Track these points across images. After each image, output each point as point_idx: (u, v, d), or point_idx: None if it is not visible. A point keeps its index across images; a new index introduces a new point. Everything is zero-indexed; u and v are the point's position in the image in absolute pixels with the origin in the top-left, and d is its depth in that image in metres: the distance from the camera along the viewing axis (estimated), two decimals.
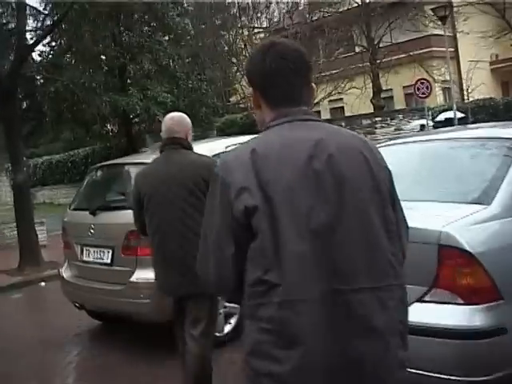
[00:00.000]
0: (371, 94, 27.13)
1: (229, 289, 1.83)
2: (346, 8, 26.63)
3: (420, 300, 3.24)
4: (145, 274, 5.32)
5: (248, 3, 25.88)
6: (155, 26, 21.23)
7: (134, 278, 5.38)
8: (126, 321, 5.90)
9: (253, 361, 1.71)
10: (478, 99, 24.93)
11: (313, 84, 1.98)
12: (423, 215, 3.50)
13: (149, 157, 6.24)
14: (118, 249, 5.53)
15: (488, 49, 28.59)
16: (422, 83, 18.66)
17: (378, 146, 4.98)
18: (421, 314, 3.17)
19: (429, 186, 3.99)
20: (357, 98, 25.51)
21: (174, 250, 3.80)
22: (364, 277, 1.71)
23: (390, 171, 1.92)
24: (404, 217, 1.95)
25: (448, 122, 17.09)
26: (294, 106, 1.89)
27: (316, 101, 24.88)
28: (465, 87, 28.28)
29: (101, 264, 5.77)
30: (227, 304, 5.39)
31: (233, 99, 27.96)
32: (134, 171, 6.16)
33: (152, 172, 4.00)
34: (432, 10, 19.62)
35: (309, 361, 1.64)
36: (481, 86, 26.97)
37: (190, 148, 3.99)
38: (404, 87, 30.04)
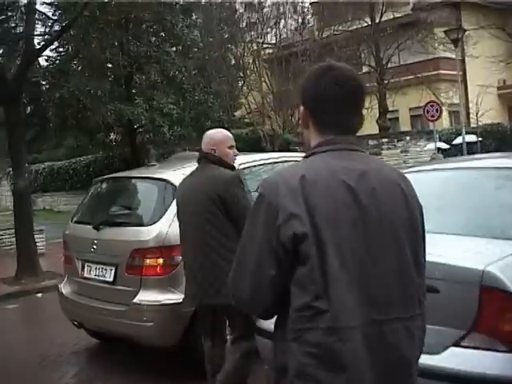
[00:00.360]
0: (377, 115, 26.90)
1: (261, 308, 1.88)
2: (355, 27, 26.46)
3: (456, 344, 2.96)
4: (149, 296, 5.03)
5: (258, 18, 25.81)
6: (164, 37, 21.09)
7: (137, 299, 5.06)
8: (126, 342, 5.59)
9: (297, 383, 1.74)
10: (485, 124, 24.76)
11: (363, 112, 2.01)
12: (460, 251, 3.23)
13: (155, 171, 6.01)
14: (122, 267, 5.22)
15: (499, 73, 28.50)
16: (432, 106, 18.50)
17: (405, 171, 4.71)
18: (457, 360, 2.91)
19: (461, 219, 3.72)
20: None
21: (193, 262, 4.02)
22: (396, 307, 1.78)
23: (421, 206, 1.95)
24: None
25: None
26: (342, 134, 1.91)
27: None
28: (473, 111, 28.03)
29: (103, 282, 5.45)
30: None
31: (238, 113, 27.75)
32: (140, 185, 5.93)
33: (184, 184, 4.22)
34: (445, 32, 19.46)
35: None
36: (489, 111, 26.77)
37: (219, 162, 4.06)
38: (410, 109, 29.92)
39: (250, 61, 25.35)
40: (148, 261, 5.02)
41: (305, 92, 1.96)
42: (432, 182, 4.15)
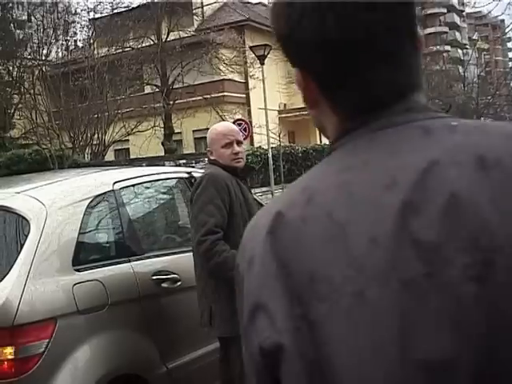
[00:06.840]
0: (162, 136, 25.70)
1: None
2: (142, 45, 25.13)
3: None
4: None
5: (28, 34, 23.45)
6: None
7: None
8: None
9: None
10: (278, 146, 24.69)
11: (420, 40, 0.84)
12: None
13: None
14: None
15: (282, 97, 28.76)
16: (240, 124, 17.51)
17: None
18: None
19: None
20: (146, 140, 23.85)
21: None
22: None
23: None
24: None
25: None
26: (389, 103, 0.81)
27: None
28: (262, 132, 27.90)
29: None
30: None
31: (14, 133, 24.54)
32: None
33: None
34: (251, 48, 18.85)
35: None
36: (277, 133, 26.86)
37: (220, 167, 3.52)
38: (194, 131, 29.07)
39: (30, 78, 22.74)
40: None
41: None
42: None
